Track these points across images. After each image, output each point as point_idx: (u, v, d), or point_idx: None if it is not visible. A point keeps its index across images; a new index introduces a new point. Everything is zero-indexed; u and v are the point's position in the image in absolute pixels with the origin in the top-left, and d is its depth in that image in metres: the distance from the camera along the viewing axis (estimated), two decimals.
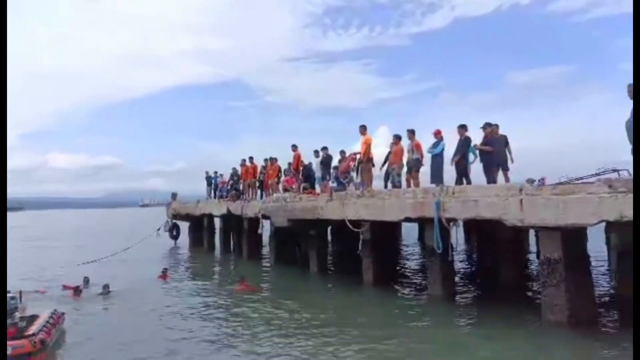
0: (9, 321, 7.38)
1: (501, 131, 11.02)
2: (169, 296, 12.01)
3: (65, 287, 12.96)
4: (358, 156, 13.85)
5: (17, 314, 7.78)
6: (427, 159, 11.81)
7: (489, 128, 10.66)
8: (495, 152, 10.42)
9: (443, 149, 11.25)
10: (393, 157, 12.63)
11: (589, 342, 7.26)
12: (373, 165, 13.58)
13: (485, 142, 10.64)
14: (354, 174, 14.48)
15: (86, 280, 13.30)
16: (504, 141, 10.81)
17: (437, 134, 11.43)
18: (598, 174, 7.43)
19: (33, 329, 7.35)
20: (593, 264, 13.92)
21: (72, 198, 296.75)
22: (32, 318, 7.97)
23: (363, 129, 13.32)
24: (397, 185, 12.23)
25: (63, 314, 8.87)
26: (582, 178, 7.66)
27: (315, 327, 8.64)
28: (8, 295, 7.90)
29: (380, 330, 8.32)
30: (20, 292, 8.47)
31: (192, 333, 8.54)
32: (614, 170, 7.31)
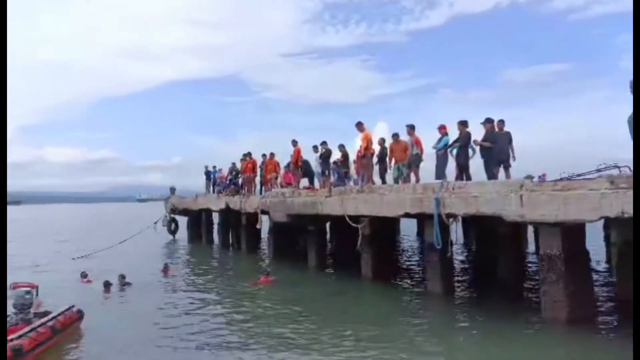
0: (21, 316, 7.16)
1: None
2: (169, 292, 11.88)
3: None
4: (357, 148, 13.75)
5: (32, 310, 7.49)
6: (429, 155, 11.74)
7: (489, 124, 10.55)
8: (496, 148, 10.28)
9: (447, 144, 11.06)
10: (400, 153, 12.56)
11: (588, 340, 7.24)
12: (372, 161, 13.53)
13: (485, 137, 10.52)
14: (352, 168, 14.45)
15: (84, 275, 13.34)
16: (508, 137, 10.43)
17: (442, 129, 11.23)
18: (599, 170, 7.41)
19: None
20: (591, 261, 14.04)
21: (69, 192, 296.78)
22: (45, 314, 7.65)
23: (361, 125, 13.28)
24: (405, 181, 12.15)
25: (80, 310, 8.30)
26: (583, 174, 7.63)
27: (312, 322, 8.64)
28: (23, 289, 7.61)
29: (377, 326, 8.30)
30: (37, 287, 8.10)
31: (193, 329, 8.54)
32: (615, 167, 7.29)
